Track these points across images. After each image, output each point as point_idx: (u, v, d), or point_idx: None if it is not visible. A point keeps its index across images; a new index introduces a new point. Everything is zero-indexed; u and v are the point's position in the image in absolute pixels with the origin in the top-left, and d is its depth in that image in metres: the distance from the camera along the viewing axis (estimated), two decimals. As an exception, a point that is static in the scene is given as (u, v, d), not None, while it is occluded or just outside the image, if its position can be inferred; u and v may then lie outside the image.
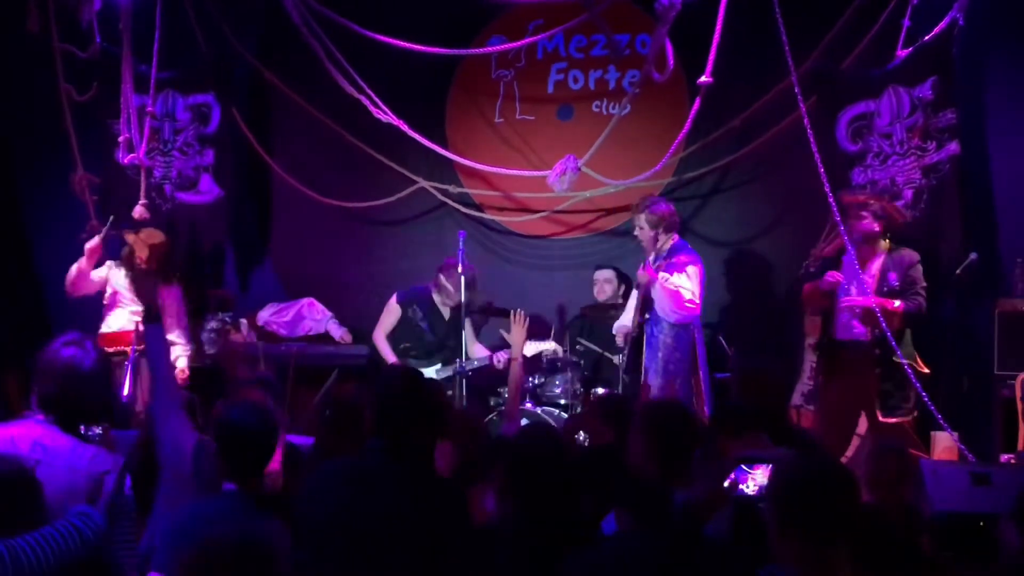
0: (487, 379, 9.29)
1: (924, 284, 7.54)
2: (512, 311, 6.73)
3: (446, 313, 9.15)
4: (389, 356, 9.03)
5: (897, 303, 7.33)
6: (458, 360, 8.78)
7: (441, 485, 3.98)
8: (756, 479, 3.93)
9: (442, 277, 9.05)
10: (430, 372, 8.86)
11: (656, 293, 8.12)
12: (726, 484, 4.12)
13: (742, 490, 3.90)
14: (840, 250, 7.90)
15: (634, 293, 8.69)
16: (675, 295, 8.04)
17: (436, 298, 9.16)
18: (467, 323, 9.03)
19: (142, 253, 8.84)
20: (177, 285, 9.10)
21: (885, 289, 7.48)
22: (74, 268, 8.90)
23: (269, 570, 2.75)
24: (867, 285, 7.54)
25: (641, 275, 8.15)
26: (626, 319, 8.65)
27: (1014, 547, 3.61)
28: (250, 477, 4.06)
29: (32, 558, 3.27)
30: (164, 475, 4.51)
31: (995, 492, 5.76)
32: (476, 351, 9.14)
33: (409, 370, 4.31)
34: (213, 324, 9.65)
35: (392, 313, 9.16)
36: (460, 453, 5.02)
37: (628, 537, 3.59)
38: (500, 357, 8.83)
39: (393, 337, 9.14)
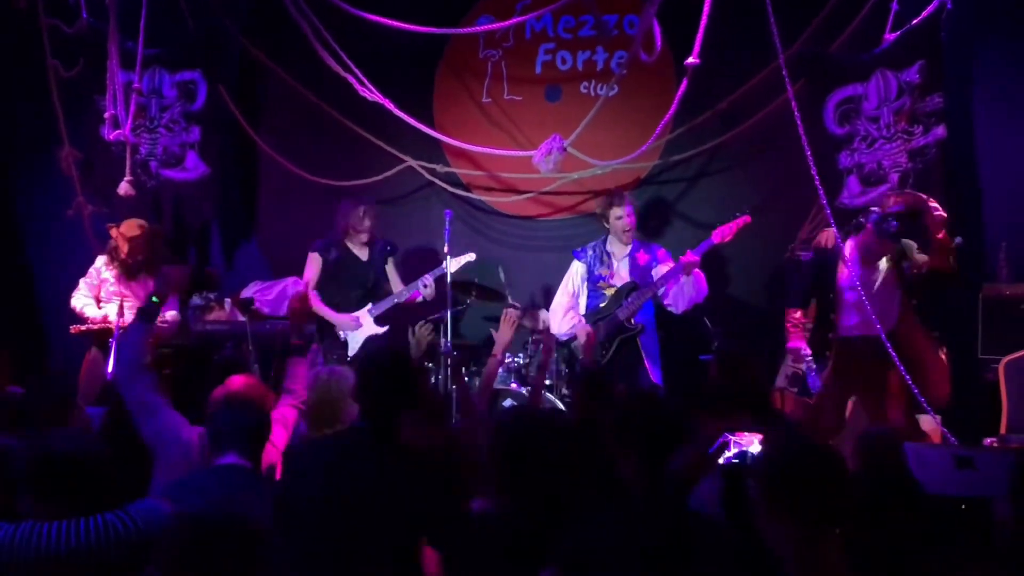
0: (468, 361, 9.33)
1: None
2: (505, 310, 6.72)
3: (363, 255, 9.17)
4: (326, 312, 9.00)
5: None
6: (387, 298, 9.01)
7: (426, 465, 3.98)
8: (741, 444, 3.94)
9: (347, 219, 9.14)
10: (364, 315, 8.97)
11: (687, 281, 8.22)
12: (712, 450, 4.14)
13: (729, 458, 3.92)
14: (836, 244, 7.80)
15: (564, 289, 8.83)
16: (703, 279, 8.18)
17: (349, 243, 9.18)
18: (390, 262, 9.18)
19: (123, 247, 8.87)
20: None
21: (906, 278, 7.49)
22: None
23: (249, 549, 2.75)
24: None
25: (691, 261, 8.20)
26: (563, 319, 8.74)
27: (1009, 524, 3.64)
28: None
29: (49, 543, 3.25)
30: (160, 464, 4.54)
31: (978, 475, 5.79)
32: (399, 287, 9.15)
33: (395, 351, 4.29)
34: (197, 302, 9.64)
35: (314, 263, 9.11)
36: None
37: (618, 515, 3.58)
38: (427, 280, 8.86)
39: (324, 294, 9.10)
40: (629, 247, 8.64)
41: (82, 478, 3.43)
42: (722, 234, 8.34)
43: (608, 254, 8.66)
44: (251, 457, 4.16)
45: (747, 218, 8.34)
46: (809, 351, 7.84)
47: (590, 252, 8.77)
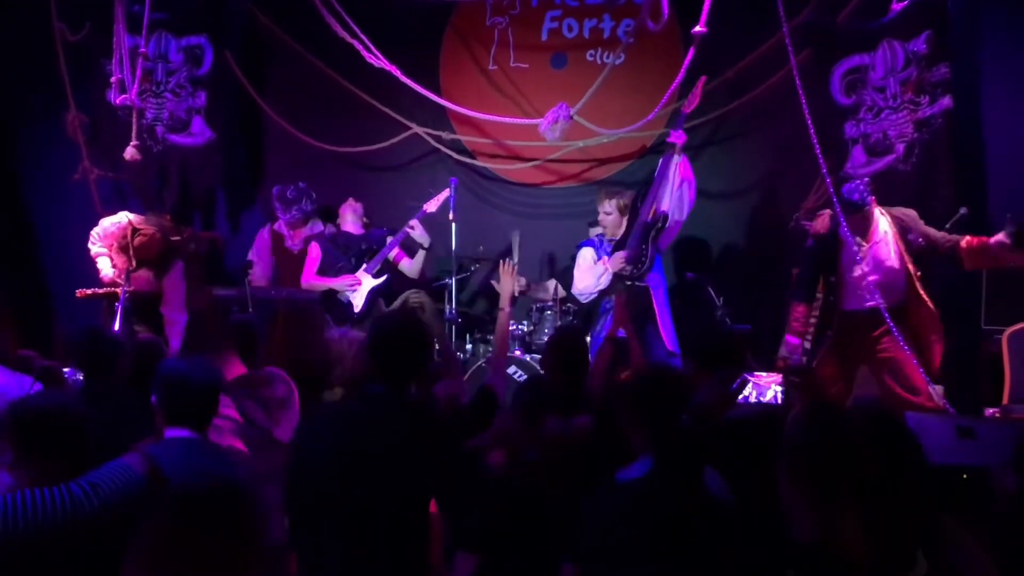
0: (472, 328, 9.39)
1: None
2: (501, 260, 6.71)
3: (355, 231, 9.39)
4: (325, 282, 9.12)
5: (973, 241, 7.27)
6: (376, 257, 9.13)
7: (441, 430, 4.00)
8: (760, 384, 4.00)
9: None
10: (361, 274, 9.10)
11: (677, 163, 8.25)
12: (733, 387, 4.17)
13: (746, 397, 3.98)
14: (833, 224, 7.79)
15: (580, 265, 8.75)
16: (689, 166, 8.31)
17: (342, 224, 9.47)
18: (389, 238, 9.30)
19: (130, 258, 8.93)
20: (178, 265, 9.22)
21: (913, 250, 7.46)
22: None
23: (251, 516, 2.74)
24: (878, 256, 7.50)
25: (680, 140, 8.27)
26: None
27: (1011, 493, 3.66)
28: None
29: (20, 516, 3.23)
30: None
31: (980, 445, 5.81)
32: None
33: (407, 315, 4.31)
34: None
35: (314, 250, 9.25)
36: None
37: (643, 485, 3.58)
38: (411, 223, 9.06)
39: (322, 270, 9.21)
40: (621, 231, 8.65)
41: (60, 435, 3.46)
42: (690, 104, 8.43)
43: (610, 240, 8.67)
44: (202, 430, 4.10)
45: (703, 78, 8.42)
46: (800, 352, 7.85)
47: (595, 240, 8.76)
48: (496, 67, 10.44)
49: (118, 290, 8.62)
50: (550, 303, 9.06)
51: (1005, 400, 7.30)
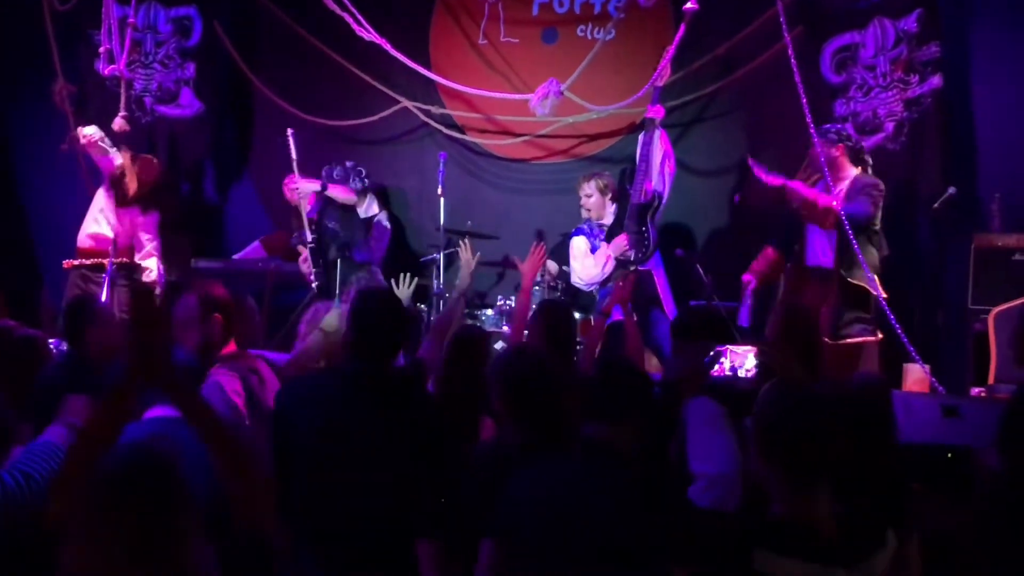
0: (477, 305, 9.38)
1: (875, 196, 7.54)
2: (535, 243, 6.78)
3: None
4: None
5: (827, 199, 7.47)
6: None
7: (422, 404, 4.00)
8: (737, 354, 4.00)
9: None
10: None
11: (657, 137, 8.32)
12: (706, 360, 4.17)
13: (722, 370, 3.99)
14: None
15: (576, 256, 8.75)
16: (667, 138, 8.38)
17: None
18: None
19: (131, 184, 8.88)
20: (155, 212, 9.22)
21: None
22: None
23: (173, 490, 2.65)
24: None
25: (657, 114, 8.41)
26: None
27: (995, 472, 3.67)
28: None
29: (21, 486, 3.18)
30: None
31: (965, 424, 5.84)
32: None
33: (386, 292, 4.31)
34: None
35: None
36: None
37: (565, 459, 3.58)
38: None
39: None
40: (610, 213, 8.65)
41: None
42: (661, 77, 8.58)
43: (599, 226, 8.67)
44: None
45: (671, 50, 8.56)
46: (753, 286, 7.95)
47: (585, 227, 8.76)
48: (486, 41, 10.38)
49: (105, 261, 8.61)
50: (539, 280, 9.04)
51: (991, 380, 7.31)
